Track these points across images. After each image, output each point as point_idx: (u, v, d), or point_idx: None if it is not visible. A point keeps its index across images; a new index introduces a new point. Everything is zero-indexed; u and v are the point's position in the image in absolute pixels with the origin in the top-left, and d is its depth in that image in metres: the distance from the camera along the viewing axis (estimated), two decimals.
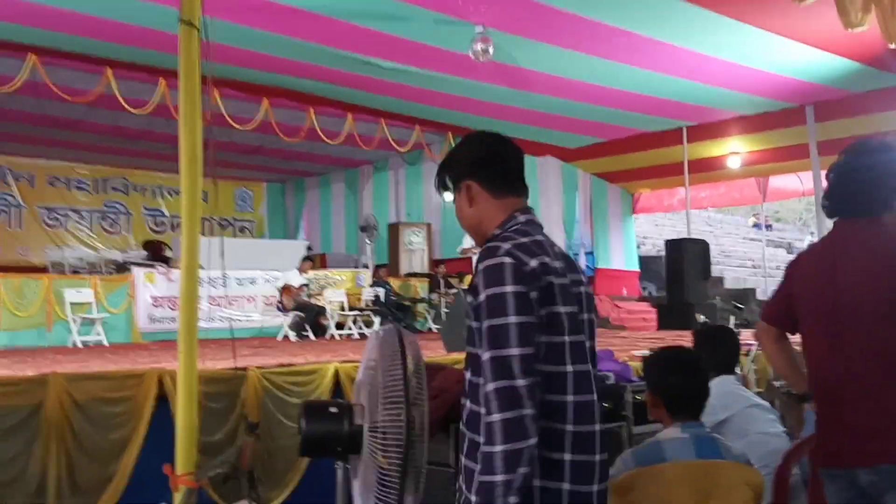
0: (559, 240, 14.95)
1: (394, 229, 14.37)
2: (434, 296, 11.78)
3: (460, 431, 1.70)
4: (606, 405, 3.64)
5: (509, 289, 1.62)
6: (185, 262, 3.29)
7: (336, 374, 5.01)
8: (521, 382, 1.54)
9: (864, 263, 2.25)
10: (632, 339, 9.21)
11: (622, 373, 3.92)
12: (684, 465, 2.35)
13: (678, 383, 2.54)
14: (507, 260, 1.65)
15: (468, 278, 12.52)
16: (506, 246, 1.69)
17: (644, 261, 17.59)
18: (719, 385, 3.26)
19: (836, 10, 6.39)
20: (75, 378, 4.09)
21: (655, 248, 17.99)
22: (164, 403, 4.10)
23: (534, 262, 1.67)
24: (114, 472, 4.05)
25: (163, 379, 4.16)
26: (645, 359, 2.73)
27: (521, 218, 1.86)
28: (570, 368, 1.66)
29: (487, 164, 1.90)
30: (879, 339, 2.19)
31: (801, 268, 2.43)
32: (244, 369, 4.70)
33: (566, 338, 1.67)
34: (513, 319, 1.59)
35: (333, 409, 1.85)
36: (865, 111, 10.54)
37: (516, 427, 1.52)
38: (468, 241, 11.20)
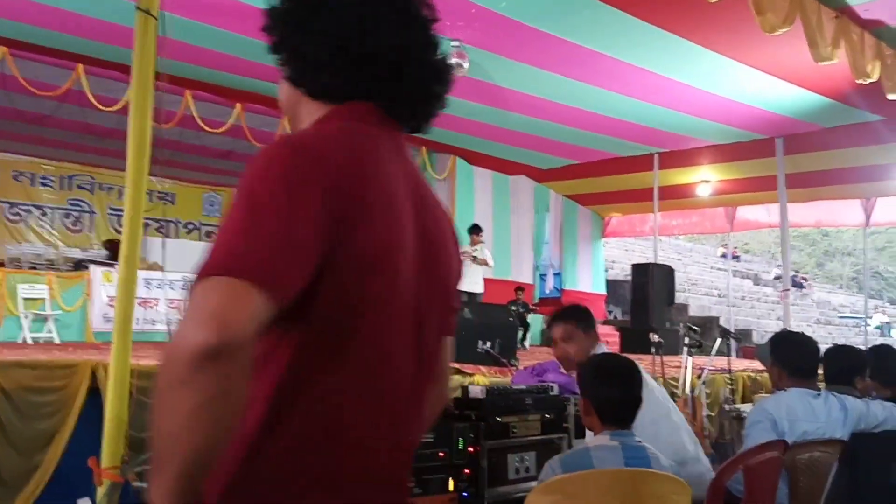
0: (528, 259, 15.11)
1: None
2: None
3: None
4: (548, 416, 3.62)
5: None
6: (124, 252, 3.22)
7: None
8: None
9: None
10: None
11: (566, 385, 3.89)
12: (612, 473, 2.30)
13: (610, 390, 2.50)
14: None
15: None
16: None
17: (611, 284, 17.68)
18: None
19: (806, 43, 6.49)
20: (4, 366, 3.95)
21: (623, 272, 18.08)
22: (97, 396, 3.98)
23: None
24: (38, 464, 3.91)
25: (96, 371, 4.03)
26: (579, 364, 2.69)
27: None
28: None
29: None
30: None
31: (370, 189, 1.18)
32: None
33: None
34: None
35: None
36: (833, 146, 10.70)
37: None
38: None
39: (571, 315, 3.48)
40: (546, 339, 14.14)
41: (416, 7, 1.30)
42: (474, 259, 10.81)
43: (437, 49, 1.33)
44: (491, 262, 11.14)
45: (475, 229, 11.17)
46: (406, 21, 1.27)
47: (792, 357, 3.56)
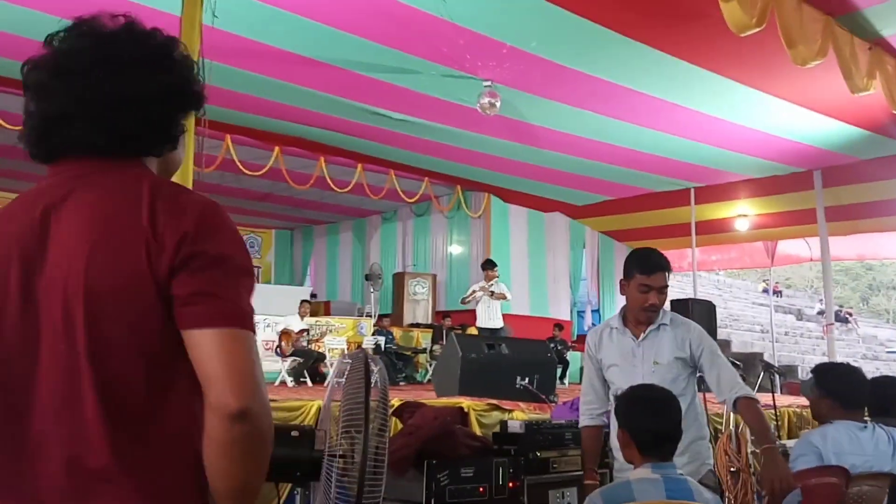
0: (565, 296, 15.04)
1: (399, 279, 14.35)
2: (437, 347, 11.68)
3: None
4: None
5: None
6: None
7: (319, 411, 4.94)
8: None
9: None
10: None
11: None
12: None
13: (648, 421, 2.46)
14: None
15: (472, 329, 12.42)
16: None
17: None
18: None
19: (841, 75, 6.46)
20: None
21: None
22: None
23: None
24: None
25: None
26: (617, 397, 2.66)
27: None
28: None
29: None
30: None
31: None
32: None
33: None
34: None
35: (295, 434, 1.80)
36: (873, 178, 10.57)
37: None
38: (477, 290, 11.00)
39: (669, 264, 3.26)
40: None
41: (74, 56, 1.32)
42: (492, 294, 10.77)
43: (114, 78, 1.30)
44: (509, 296, 11.06)
45: (488, 265, 11.11)
46: (62, 75, 1.31)
47: (840, 387, 3.45)
